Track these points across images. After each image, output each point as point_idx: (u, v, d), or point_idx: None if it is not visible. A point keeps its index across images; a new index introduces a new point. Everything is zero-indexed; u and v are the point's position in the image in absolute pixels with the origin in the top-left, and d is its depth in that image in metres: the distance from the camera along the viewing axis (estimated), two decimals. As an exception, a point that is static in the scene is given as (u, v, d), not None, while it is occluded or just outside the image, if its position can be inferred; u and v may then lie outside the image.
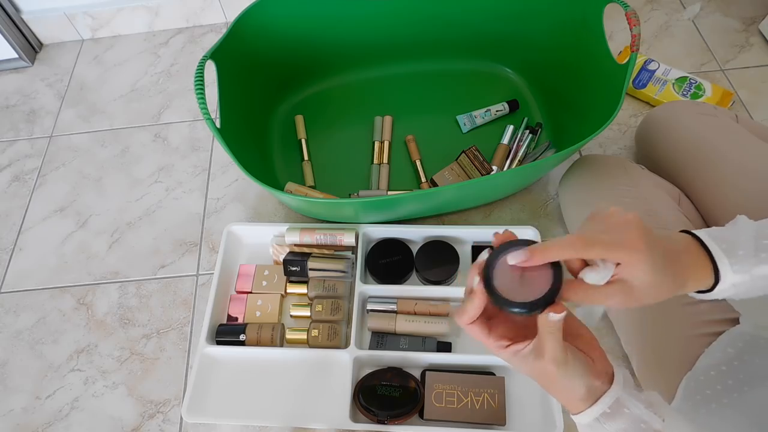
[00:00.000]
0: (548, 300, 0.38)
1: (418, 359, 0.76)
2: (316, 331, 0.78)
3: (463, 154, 0.94)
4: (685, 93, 0.99)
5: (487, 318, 0.42)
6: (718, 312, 0.60)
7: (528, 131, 0.97)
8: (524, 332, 0.42)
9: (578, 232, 0.41)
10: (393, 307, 0.80)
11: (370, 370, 0.77)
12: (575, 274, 0.41)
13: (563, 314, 0.38)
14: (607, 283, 0.39)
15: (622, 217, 0.40)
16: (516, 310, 0.39)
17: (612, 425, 0.40)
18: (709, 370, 0.55)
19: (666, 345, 0.63)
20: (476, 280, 0.40)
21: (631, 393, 0.41)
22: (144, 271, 0.92)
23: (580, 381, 0.40)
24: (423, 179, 0.95)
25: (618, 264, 0.39)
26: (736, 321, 0.59)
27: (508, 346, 0.41)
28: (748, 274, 0.40)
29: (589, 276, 0.39)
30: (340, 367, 0.76)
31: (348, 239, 0.83)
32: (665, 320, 0.64)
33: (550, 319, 0.38)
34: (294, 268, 0.83)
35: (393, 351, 0.77)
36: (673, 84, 1.00)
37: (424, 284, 0.84)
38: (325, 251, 0.85)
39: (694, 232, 0.43)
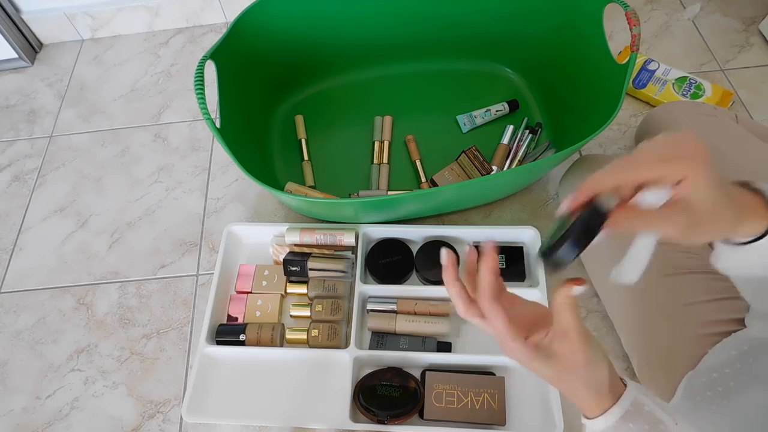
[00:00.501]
0: (585, 224, 0.35)
1: (418, 359, 0.76)
2: (316, 331, 0.78)
3: (463, 154, 0.94)
4: (685, 93, 0.99)
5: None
6: (720, 312, 0.61)
7: (528, 131, 0.97)
8: (537, 327, 0.42)
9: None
10: (393, 307, 0.80)
11: (370, 370, 0.77)
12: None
13: (584, 287, 0.38)
14: (664, 206, 0.36)
15: (674, 134, 0.36)
16: (565, 247, 0.35)
17: (635, 426, 0.39)
18: (712, 371, 0.55)
19: (667, 345, 0.63)
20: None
21: (645, 393, 0.41)
22: (144, 271, 0.92)
23: (603, 363, 0.39)
24: (423, 179, 0.95)
25: (677, 184, 0.35)
26: (737, 322, 0.59)
27: (527, 338, 0.40)
28: None
29: (647, 196, 0.36)
30: (340, 367, 0.76)
31: (348, 239, 0.83)
32: (667, 320, 0.64)
33: (573, 293, 0.37)
34: (294, 268, 0.83)
35: (393, 351, 0.77)
36: (673, 84, 1.00)
37: (424, 284, 0.84)
38: (325, 251, 0.85)
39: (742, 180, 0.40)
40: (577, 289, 0.38)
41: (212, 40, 1.23)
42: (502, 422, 0.71)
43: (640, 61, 1.03)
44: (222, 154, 1.05)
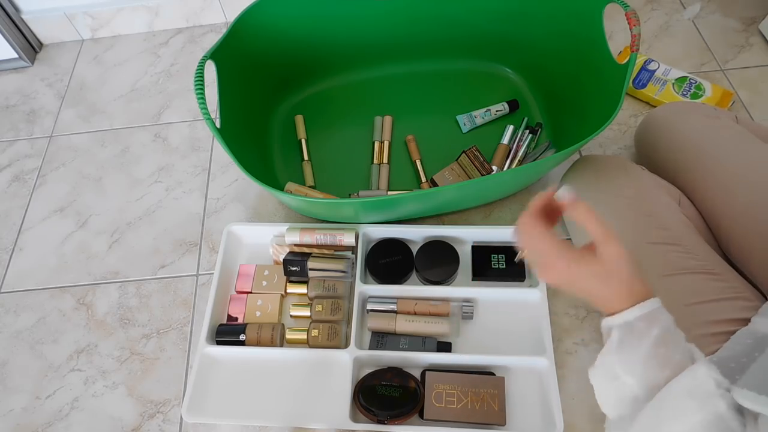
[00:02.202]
0: None
1: (418, 359, 0.76)
2: (316, 331, 0.78)
3: (464, 154, 0.94)
4: (685, 93, 0.99)
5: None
6: (721, 312, 0.61)
7: (528, 131, 0.97)
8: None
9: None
10: (393, 307, 0.80)
11: (370, 370, 0.77)
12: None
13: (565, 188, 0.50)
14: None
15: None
16: None
17: (656, 327, 0.44)
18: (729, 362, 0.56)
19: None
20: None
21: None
22: (144, 271, 0.92)
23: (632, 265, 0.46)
24: (423, 179, 0.95)
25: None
26: (738, 321, 0.59)
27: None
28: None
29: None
30: (340, 367, 0.76)
31: (348, 239, 0.83)
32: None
33: (558, 197, 0.50)
34: (294, 268, 0.83)
35: (393, 351, 0.77)
36: (673, 84, 1.00)
37: (424, 284, 0.84)
38: (325, 251, 0.85)
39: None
40: (560, 192, 0.49)
41: (212, 40, 1.23)
42: (502, 422, 0.71)
43: (640, 61, 1.03)
44: (222, 154, 1.05)
